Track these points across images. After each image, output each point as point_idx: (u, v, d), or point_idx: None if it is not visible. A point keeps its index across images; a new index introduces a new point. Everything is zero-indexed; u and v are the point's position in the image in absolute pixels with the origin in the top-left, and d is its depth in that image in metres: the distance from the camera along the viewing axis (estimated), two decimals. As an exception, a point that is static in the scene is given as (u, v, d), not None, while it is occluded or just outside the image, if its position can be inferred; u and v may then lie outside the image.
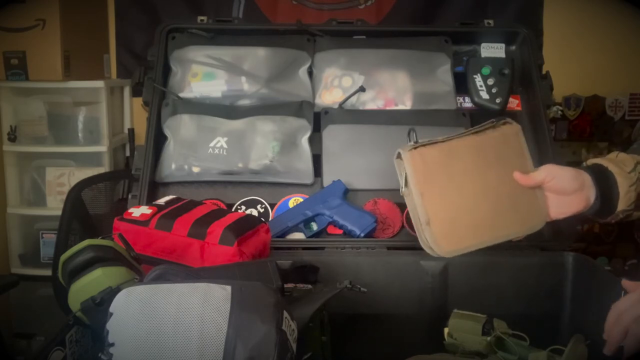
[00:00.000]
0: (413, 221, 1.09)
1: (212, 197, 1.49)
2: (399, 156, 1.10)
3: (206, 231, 1.10)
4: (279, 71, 1.61)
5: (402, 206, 1.46)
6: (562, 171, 1.14)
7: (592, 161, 1.18)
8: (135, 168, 1.46)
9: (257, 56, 1.62)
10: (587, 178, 1.14)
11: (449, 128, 1.54)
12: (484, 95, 1.58)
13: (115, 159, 2.45)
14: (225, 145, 1.51)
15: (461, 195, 1.09)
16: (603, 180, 1.14)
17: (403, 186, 1.10)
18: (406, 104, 1.59)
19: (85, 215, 2.02)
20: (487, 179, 1.11)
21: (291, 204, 1.47)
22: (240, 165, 1.50)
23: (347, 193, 1.45)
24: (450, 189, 1.09)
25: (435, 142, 1.11)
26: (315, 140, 1.54)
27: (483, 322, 1.05)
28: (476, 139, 1.12)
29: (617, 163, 1.16)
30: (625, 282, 0.98)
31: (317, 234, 1.43)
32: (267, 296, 0.81)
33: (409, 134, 1.11)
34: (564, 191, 1.13)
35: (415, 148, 1.10)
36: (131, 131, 2.51)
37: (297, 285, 1.09)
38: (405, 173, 1.09)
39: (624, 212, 1.16)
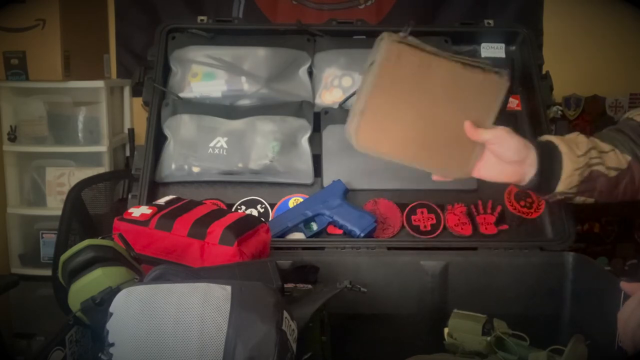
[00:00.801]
0: (353, 104, 1.09)
1: (212, 197, 1.49)
2: (382, 38, 1.08)
3: (206, 231, 1.10)
4: (279, 71, 1.61)
5: (402, 206, 1.46)
6: (509, 140, 1.13)
7: (547, 137, 1.18)
8: (135, 168, 1.46)
9: (257, 56, 1.62)
10: (532, 155, 1.14)
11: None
12: (484, 95, 1.58)
13: (115, 159, 2.45)
14: (225, 145, 1.51)
15: (408, 108, 1.08)
16: (548, 159, 1.14)
17: (368, 64, 1.09)
18: (406, 104, 1.59)
19: (85, 215, 2.02)
20: (442, 109, 1.09)
21: (291, 204, 1.47)
22: (240, 165, 1.50)
23: (347, 193, 1.45)
24: (403, 98, 1.07)
25: (422, 50, 1.08)
26: (315, 140, 1.54)
27: (483, 322, 1.05)
28: (458, 69, 1.09)
29: (570, 143, 1.16)
30: (624, 285, 0.98)
31: (317, 234, 1.43)
32: (267, 296, 0.81)
33: (406, 26, 1.08)
34: (503, 158, 1.14)
35: (400, 42, 1.07)
36: (131, 131, 2.51)
37: (297, 285, 1.09)
38: (376, 58, 1.07)
39: (562, 194, 1.17)
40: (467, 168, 1.13)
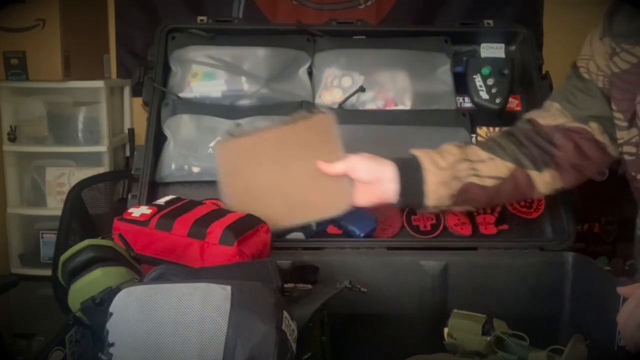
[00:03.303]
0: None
1: (212, 197, 1.48)
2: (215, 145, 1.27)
3: (206, 231, 1.10)
4: (279, 71, 1.61)
5: (402, 206, 1.46)
6: (361, 163, 1.20)
7: (414, 151, 1.21)
8: (135, 168, 1.46)
9: (257, 56, 1.62)
10: (388, 172, 1.18)
11: (448, 128, 1.54)
12: (484, 95, 1.58)
13: (115, 159, 2.45)
14: (225, 146, 1.51)
15: (261, 183, 1.21)
16: (410, 173, 1.17)
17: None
18: (406, 104, 1.59)
19: (85, 215, 2.02)
20: (295, 166, 1.21)
21: (291, 204, 1.47)
22: (240, 165, 1.50)
23: (347, 193, 1.45)
24: (252, 178, 1.22)
25: (247, 135, 1.26)
26: (315, 141, 1.54)
27: (483, 322, 1.05)
28: (284, 130, 1.23)
29: (434, 156, 1.18)
30: (621, 289, 0.98)
31: (317, 234, 1.43)
32: (267, 296, 0.81)
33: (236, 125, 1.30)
34: (363, 181, 1.19)
35: (226, 141, 1.27)
36: (131, 131, 2.51)
37: (297, 285, 1.09)
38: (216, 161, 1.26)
39: (437, 208, 1.19)
40: (348, 199, 1.21)
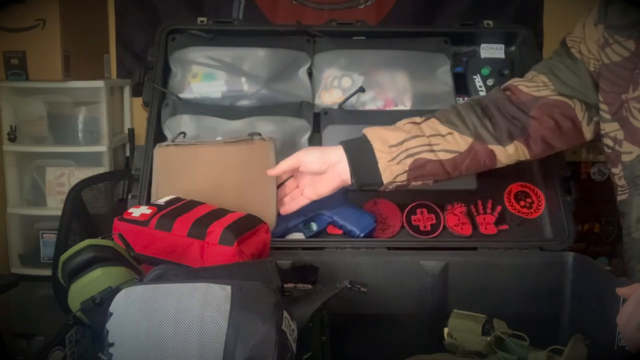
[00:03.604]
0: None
1: (212, 197, 1.49)
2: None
3: (206, 231, 1.11)
4: (279, 72, 1.61)
5: (402, 206, 1.46)
6: (307, 156, 1.25)
7: (366, 130, 1.24)
8: (135, 168, 1.46)
9: (257, 57, 1.62)
10: (335, 155, 1.22)
11: (448, 128, 1.54)
12: (484, 95, 1.58)
13: (115, 159, 2.44)
14: (225, 146, 1.51)
15: (192, 189, 1.29)
16: (361, 153, 1.21)
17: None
18: (406, 105, 1.59)
19: (85, 215, 2.02)
20: (224, 181, 1.32)
21: (291, 204, 1.47)
22: (240, 165, 1.50)
23: (347, 193, 1.45)
24: (183, 183, 1.32)
25: (187, 145, 1.37)
26: (315, 141, 1.54)
27: (483, 322, 1.05)
28: (224, 148, 1.35)
29: (384, 135, 1.21)
30: (620, 290, 0.98)
31: (317, 234, 1.43)
32: (267, 296, 0.81)
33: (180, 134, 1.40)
34: (317, 172, 1.24)
35: (166, 146, 1.37)
36: (131, 131, 2.51)
37: (297, 285, 1.09)
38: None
39: (393, 184, 1.22)
40: (272, 210, 1.31)
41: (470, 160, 1.22)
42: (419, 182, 1.23)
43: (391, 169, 1.20)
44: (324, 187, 1.26)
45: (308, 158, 1.25)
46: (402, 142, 1.20)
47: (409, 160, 1.20)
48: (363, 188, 1.25)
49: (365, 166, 1.20)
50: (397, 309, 1.32)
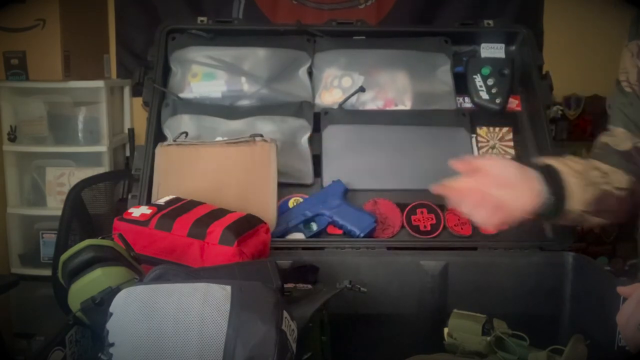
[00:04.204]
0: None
1: (212, 197, 1.49)
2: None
3: (206, 231, 1.10)
4: (279, 71, 1.61)
5: (402, 206, 1.46)
6: (504, 162, 1.08)
7: (539, 159, 1.10)
8: (135, 168, 1.46)
9: (257, 56, 1.62)
10: (532, 171, 1.04)
11: (448, 128, 1.54)
12: (484, 95, 1.58)
13: (115, 159, 2.45)
14: (225, 146, 1.51)
15: (192, 188, 1.30)
16: (550, 177, 1.04)
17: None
18: (406, 104, 1.59)
19: (85, 215, 2.02)
20: (224, 181, 1.34)
21: (291, 204, 1.47)
22: (240, 165, 1.50)
23: (347, 193, 1.45)
24: (184, 182, 1.34)
25: (189, 144, 1.38)
26: (315, 141, 1.54)
27: (483, 322, 1.05)
28: (225, 149, 1.36)
29: (566, 162, 1.07)
30: (621, 289, 0.98)
31: (317, 234, 1.43)
32: (267, 296, 0.81)
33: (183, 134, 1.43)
34: (511, 178, 1.03)
35: (168, 145, 1.39)
36: (131, 131, 2.51)
37: (297, 285, 1.09)
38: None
39: (580, 214, 1.07)
40: (272, 208, 1.33)
41: (634, 201, 1.10)
42: (596, 220, 1.09)
43: (582, 196, 1.05)
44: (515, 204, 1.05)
45: (505, 163, 1.06)
46: (585, 170, 1.07)
47: (593, 191, 1.06)
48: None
49: (556, 189, 1.04)
50: (397, 309, 1.32)
